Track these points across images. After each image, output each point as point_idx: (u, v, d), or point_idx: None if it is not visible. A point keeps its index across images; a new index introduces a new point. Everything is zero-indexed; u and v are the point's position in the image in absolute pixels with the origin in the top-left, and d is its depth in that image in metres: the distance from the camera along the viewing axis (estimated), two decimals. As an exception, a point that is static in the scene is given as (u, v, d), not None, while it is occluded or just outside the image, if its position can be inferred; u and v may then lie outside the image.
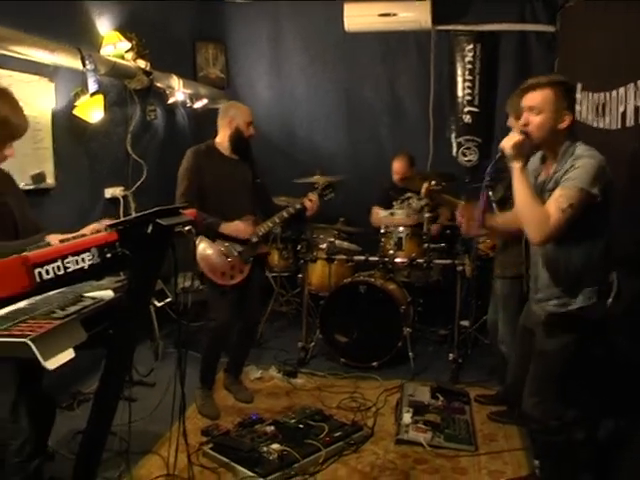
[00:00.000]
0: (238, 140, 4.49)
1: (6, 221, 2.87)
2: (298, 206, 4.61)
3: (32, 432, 2.79)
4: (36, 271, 1.77)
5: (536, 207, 2.85)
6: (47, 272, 1.80)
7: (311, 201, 4.62)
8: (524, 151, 2.93)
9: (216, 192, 4.42)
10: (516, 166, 2.90)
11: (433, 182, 5.08)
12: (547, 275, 3.05)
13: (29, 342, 1.75)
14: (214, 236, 4.40)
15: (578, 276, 2.94)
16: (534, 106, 2.92)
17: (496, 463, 3.84)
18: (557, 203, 2.80)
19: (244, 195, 4.57)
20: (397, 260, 5.52)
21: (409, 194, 6.19)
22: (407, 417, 4.22)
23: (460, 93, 6.88)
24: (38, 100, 4.47)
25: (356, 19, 6.75)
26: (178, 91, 6.23)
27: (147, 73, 5.53)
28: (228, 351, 4.86)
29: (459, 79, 6.86)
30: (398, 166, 6.28)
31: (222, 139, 4.52)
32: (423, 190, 5.07)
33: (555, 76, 2.99)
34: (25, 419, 2.78)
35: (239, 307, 4.58)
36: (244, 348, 4.88)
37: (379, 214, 5.92)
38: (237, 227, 4.42)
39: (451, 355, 5.25)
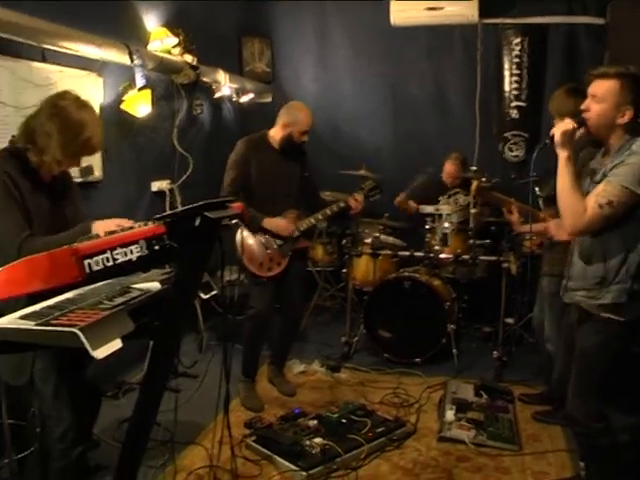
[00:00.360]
0: (288, 144, 4.51)
1: (60, 224, 2.89)
2: (342, 204, 4.62)
3: (74, 420, 2.83)
4: (86, 262, 1.79)
5: (575, 198, 2.80)
6: (96, 263, 1.82)
7: (357, 201, 4.61)
8: (573, 140, 2.87)
9: (262, 183, 4.45)
10: (562, 155, 2.85)
11: (483, 179, 5.01)
12: (581, 266, 2.99)
13: (78, 332, 1.77)
14: (256, 229, 4.43)
15: (611, 271, 2.87)
16: (596, 95, 2.83)
17: (540, 464, 3.78)
18: (596, 198, 2.75)
19: (290, 188, 4.59)
20: (442, 256, 5.48)
21: (457, 189, 6.14)
22: (450, 414, 4.19)
23: (507, 88, 6.79)
24: (87, 95, 4.46)
25: (402, 13, 6.70)
26: (224, 85, 6.27)
27: (194, 68, 5.58)
28: (271, 344, 4.89)
29: (506, 73, 6.77)
30: (451, 169, 6.22)
31: (275, 134, 4.55)
32: (473, 187, 5.00)
33: (625, 68, 2.84)
34: (67, 407, 2.82)
35: (279, 299, 4.60)
36: (286, 341, 4.91)
37: (425, 209, 5.82)
38: (278, 224, 4.45)
39: (495, 353, 5.19)
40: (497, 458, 3.82)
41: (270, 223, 4.42)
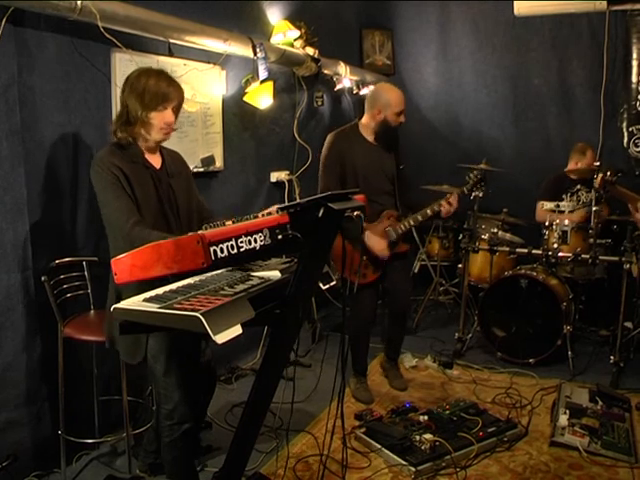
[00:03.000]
0: (384, 132, 4.39)
1: (171, 203, 3.04)
2: (436, 208, 4.36)
3: (183, 399, 2.95)
4: (212, 249, 1.84)
5: None
6: (222, 250, 1.87)
7: (450, 204, 4.36)
8: None
9: (356, 179, 4.34)
10: None
11: (609, 172, 4.78)
12: None
13: (200, 316, 1.81)
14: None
15: None
16: None
17: (657, 480, 3.59)
18: None
19: (385, 185, 4.46)
20: (561, 254, 5.31)
21: (578, 186, 5.94)
22: (563, 419, 4.05)
23: (635, 78, 6.48)
24: (210, 87, 4.66)
25: (526, 2, 6.58)
26: (345, 78, 6.30)
27: (315, 60, 5.63)
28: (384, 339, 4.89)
29: (634, 63, 6.46)
30: (593, 156, 6.02)
31: (367, 123, 4.44)
32: (598, 180, 4.77)
33: None
34: (176, 386, 2.94)
35: (384, 296, 4.55)
36: (396, 335, 4.88)
37: (545, 206, 5.66)
38: (375, 244, 4.30)
39: (612, 358, 5.00)
40: (611, 469, 3.64)
41: (370, 240, 4.28)
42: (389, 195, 4.49)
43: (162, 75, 2.94)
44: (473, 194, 4.63)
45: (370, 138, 4.44)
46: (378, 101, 4.36)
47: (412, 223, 4.40)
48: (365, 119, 4.47)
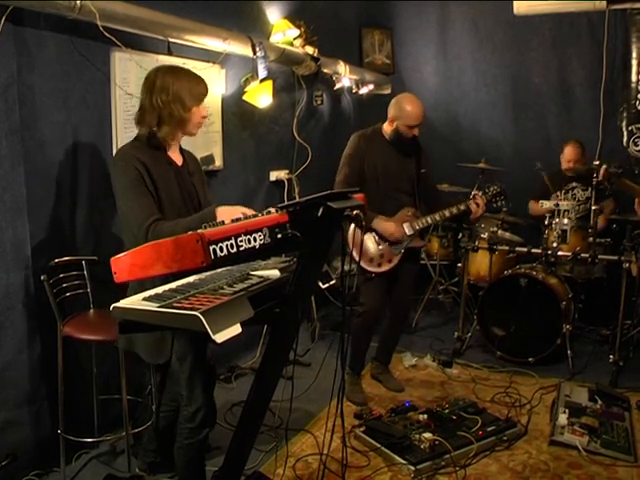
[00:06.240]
0: (397, 139, 4.42)
1: (193, 200, 3.03)
2: (462, 207, 4.43)
3: (205, 401, 2.93)
4: (211, 248, 1.84)
5: None
6: (221, 249, 1.87)
7: (478, 205, 4.42)
8: None
9: (375, 179, 4.39)
10: None
11: (613, 165, 4.75)
12: None
13: (199, 315, 1.82)
14: (365, 229, 4.26)
15: None
16: None
17: (657, 479, 3.58)
18: None
19: (405, 185, 4.50)
20: (560, 253, 5.30)
21: (574, 184, 5.95)
22: (563, 418, 4.04)
23: (634, 77, 6.46)
24: (209, 86, 4.62)
25: (526, 1, 6.55)
26: (344, 77, 6.29)
27: (315, 59, 5.62)
28: (379, 339, 4.89)
29: (634, 62, 6.43)
30: (572, 153, 6.04)
31: (387, 128, 4.48)
32: (602, 172, 4.74)
33: None
34: (200, 389, 2.91)
35: (389, 295, 4.56)
36: (392, 338, 4.88)
37: (545, 205, 5.64)
38: (387, 227, 4.35)
39: (612, 357, 4.99)
40: (611, 468, 3.64)
41: (379, 225, 4.34)
42: (407, 194, 4.51)
43: (191, 73, 2.98)
44: (494, 205, 4.62)
45: (389, 141, 4.47)
46: (394, 110, 4.39)
47: (429, 221, 4.46)
48: (386, 124, 4.49)
